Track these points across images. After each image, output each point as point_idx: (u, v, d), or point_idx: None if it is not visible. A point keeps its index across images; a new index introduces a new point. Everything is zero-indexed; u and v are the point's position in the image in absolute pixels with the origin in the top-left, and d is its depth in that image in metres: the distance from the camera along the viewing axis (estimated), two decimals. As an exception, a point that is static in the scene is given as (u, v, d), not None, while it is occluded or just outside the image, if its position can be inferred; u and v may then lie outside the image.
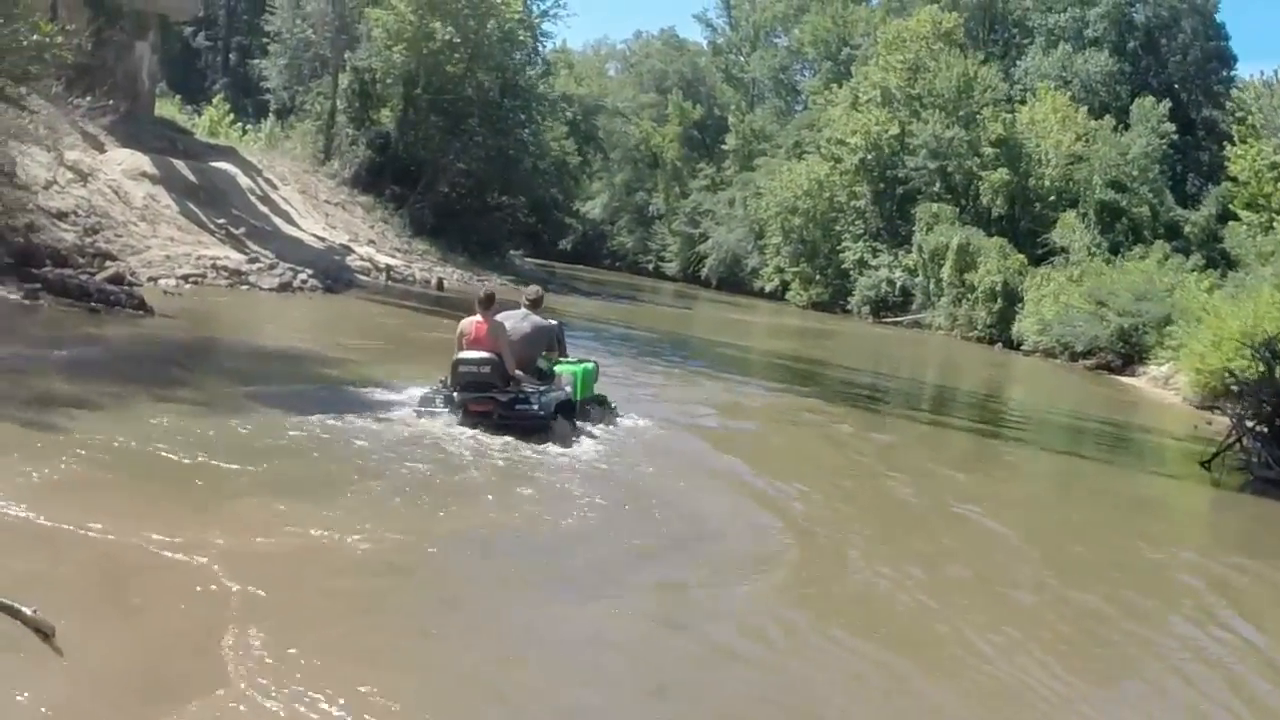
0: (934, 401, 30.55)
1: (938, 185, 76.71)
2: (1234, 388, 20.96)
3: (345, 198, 46.10)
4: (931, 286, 73.37)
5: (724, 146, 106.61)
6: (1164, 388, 43.43)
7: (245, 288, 26.71)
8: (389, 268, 38.23)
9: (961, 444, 21.71)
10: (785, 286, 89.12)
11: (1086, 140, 72.33)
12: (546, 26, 58.73)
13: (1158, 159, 70.51)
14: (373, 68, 51.00)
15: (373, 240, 42.65)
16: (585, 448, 12.89)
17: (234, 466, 10.08)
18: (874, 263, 79.47)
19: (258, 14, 62.90)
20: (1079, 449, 22.82)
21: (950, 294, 70.50)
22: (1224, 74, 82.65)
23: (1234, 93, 63.58)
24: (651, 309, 53.23)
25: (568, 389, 13.49)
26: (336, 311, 26.82)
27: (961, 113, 76.12)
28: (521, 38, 54.73)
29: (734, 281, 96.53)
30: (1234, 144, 58.65)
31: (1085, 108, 75.34)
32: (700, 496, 12.29)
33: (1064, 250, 67.02)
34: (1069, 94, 76.63)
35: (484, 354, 12.54)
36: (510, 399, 12.48)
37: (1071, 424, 28.42)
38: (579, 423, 13.56)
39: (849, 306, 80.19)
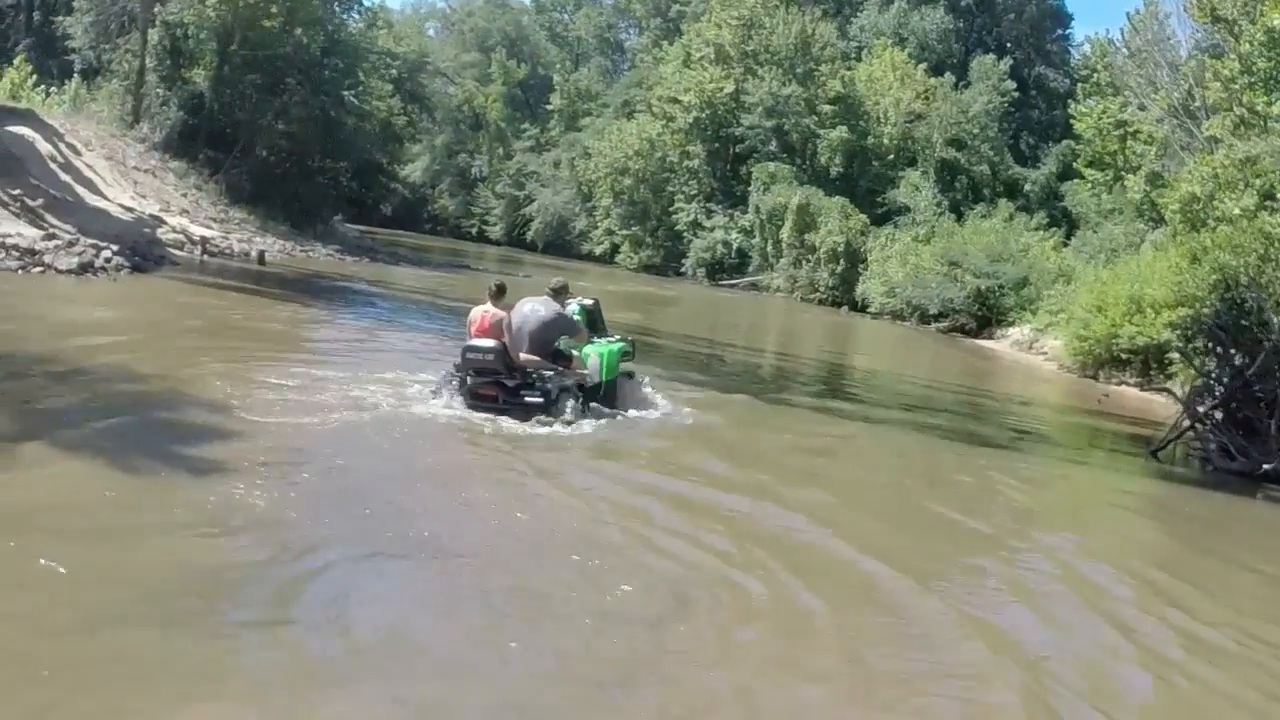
0: (820, 379, 28.18)
1: (774, 144, 75.32)
2: (1198, 382, 19.02)
3: (156, 163, 41.94)
4: (769, 248, 72.16)
5: (549, 107, 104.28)
6: (1030, 352, 42.32)
7: (39, 270, 22.56)
8: (204, 240, 34.09)
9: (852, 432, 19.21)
10: (615, 249, 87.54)
11: (926, 98, 71.63)
12: None
13: (998, 117, 70.16)
14: (184, 22, 46.64)
15: (186, 210, 38.66)
16: (582, 429, 13.20)
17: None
18: (708, 224, 78.08)
19: (64, -32, 57.88)
20: (1013, 439, 20.37)
21: (790, 255, 69.25)
22: (1058, 33, 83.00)
23: (1080, 50, 63.34)
24: (484, 278, 50.13)
25: (589, 371, 14.08)
26: (144, 298, 22.67)
27: (799, 70, 74.68)
28: (341, -11, 51.33)
29: (561, 245, 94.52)
30: (1075, 102, 58.31)
31: (923, 65, 74.62)
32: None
33: (907, 209, 66.07)
34: (906, 51, 75.84)
35: (489, 343, 13.27)
36: (515, 384, 13.29)
37: (972, 401, 26.31)
38: (603, 406, 14.18)
39: (683, 269, 78.60)
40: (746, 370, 23.58)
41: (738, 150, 78.12)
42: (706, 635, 7.33)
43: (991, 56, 72.89)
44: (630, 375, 15.34)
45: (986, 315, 50.38)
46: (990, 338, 48.57)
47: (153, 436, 10.19)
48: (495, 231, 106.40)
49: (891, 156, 71.76)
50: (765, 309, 57.52)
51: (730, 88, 76.51)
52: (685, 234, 79.62)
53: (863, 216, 66.19)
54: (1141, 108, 47.21)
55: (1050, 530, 12.73)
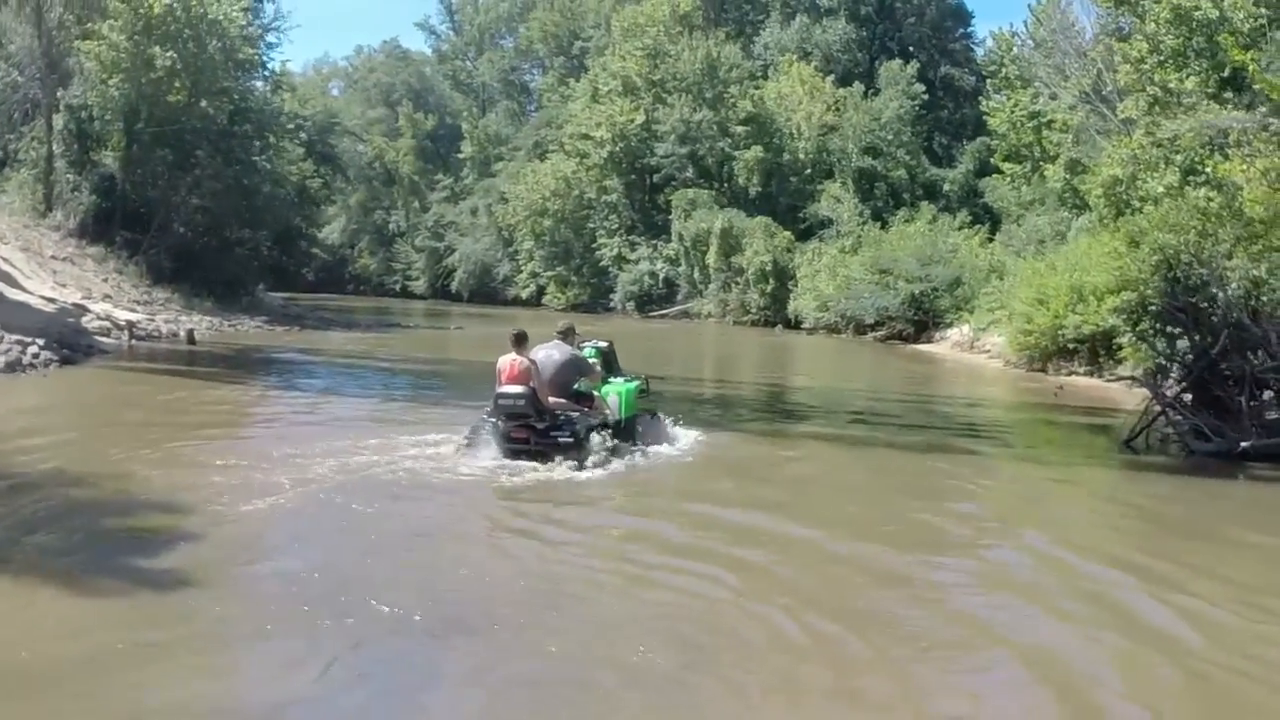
0: (763, 403, 27.70)
1: (691, 170, 75.37)
2: (1159, 361, 18.71)
3: (73, 250, 40.94)
4: (696, 275, 72.26)
5: (460, 155, 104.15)
6: (971, 351, 42.20)
7: (-35, 374, 21.54)
8: (130, 324, 33.10)
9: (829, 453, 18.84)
10: (541, 291, 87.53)
11: (837, 109, 71.84)
12: (271, 39, 53.67)
13: (910, 121, 70.20)
14: (88, 104, 45.75)
15: (109, 295, 37.67)
16: (614, 468, 13.71)
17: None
18: (633, 256, 78.10)
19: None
20: (980, 442, 19.98)
21: (718, 280, 69.32)
22: (960, 31, 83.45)
23: (984, 46, 63.70)
24: (416, 334, 49.43)
25: (608, 410, 14.65)
26: (78, 391, 21.61)
27: (708, 94, 74.86)
28: (245, 56, 50.31)
29: (486, 292, 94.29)
30: (985, 98, 58.65)
31: (830, 76, 74.89)
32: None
33: (831, 222, 66.14)
34: (812, 64, 76.07)
35: (519, 389, 13.69)
36: (545, 426, 13.67)
37: (926, 409, 25.91)
38: (628, 443, 14.68)
39: (612, 304, 78.44)
40: (687, 399, 23.09)
41: (655, 180, 78.14)
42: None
43: (897, 62, 72.97)
44: (652, 414, 16.09)
45: (923, 319, 50.28)
46: (929, 341, 48.41)
47: (105, 548, 9.28)
48: (419, 286, 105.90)
49: (809, 171, 71.90)
50: (698, 336, 57.05)
51: (641, 118, 76.55)
52: (611, 268, 79.65)
53: (787, 233, 66.19)
54: (1053, 97, 47.30)
55: (1041, 529, 12.35)
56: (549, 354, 14.37)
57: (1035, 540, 11.72)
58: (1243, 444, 15.51)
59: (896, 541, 10.98)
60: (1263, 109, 25.39)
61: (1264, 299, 20.43)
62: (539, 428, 13.73)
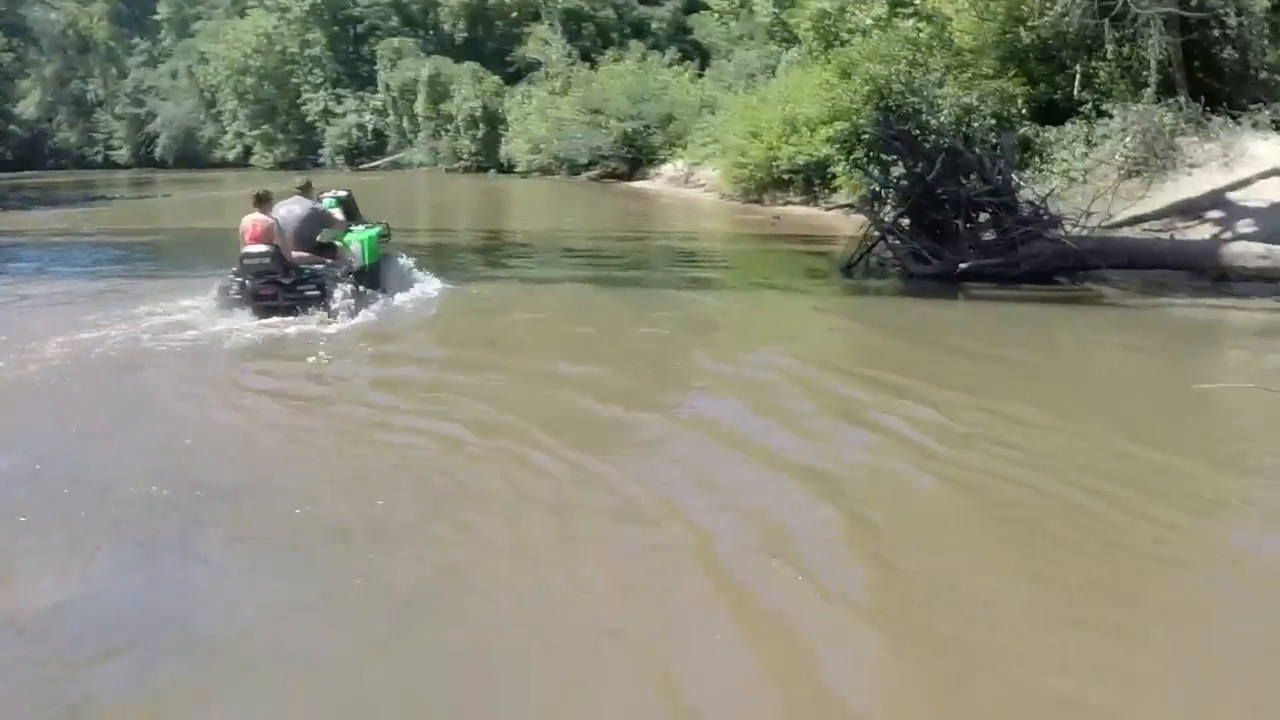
0: (483, 249, 27.07)
1: (395, 19, 73.81)
2: (874, 188, 18.86)
3: None
4: (405, 124, 71.15)
5: (156, 17, 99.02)
6: (686, 186, 42.46)
7: None
8: None
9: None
10: (249, 151, 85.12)
11: (540, -52, 70.61)
12: None
13: (615, -42, 69.54)
14: None
15: None
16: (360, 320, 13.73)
17: None
18: (339, 110, 76.66)
19: None
20: (702, 276, 19.78)
21: (427, 129, 68.46)
22: None
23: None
24: (121, 205, 46.90)
25: (353, 258, 14.80)
26: None
27: (408, -62, 72.75)
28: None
29: (191, 157, 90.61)
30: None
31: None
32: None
33: (540, 64, 65.38)
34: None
35: (263, 247, 13.68)
36: (291, 281, 13.78)
37: (645, 246, 25.74)
38: (375, 289, 15.06)
39: (320, 160, 76.64)
40: (408, 250, 22.34)
41: (359, 30, 76.34)
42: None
43: (595, -104, 71.97)
44: (394, 257, 16.42)
45: (636, 157, 50.31)
46: (644, 179, 48.49)
47: None
48: (121, 155, 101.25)
49: (515, 14, 70.61)
50: (410, 185, 55.93)
51: (343, -33, 74.16)
52: (318, 124, 78.02)
53: (495, 78, 65.50)
54: (757, -70, 47.32)
55: (773, 346, 12.40)
56: (290, 209, 14.48)
57: (768, 357, 11.68)
58: (961, 265, 15.84)
59: (632, 370, 10.91)
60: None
61: (975, 125, 20.97)
62: (285, 283, 13.91)
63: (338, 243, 14.93)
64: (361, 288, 14.64)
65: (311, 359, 11.81)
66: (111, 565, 6.25)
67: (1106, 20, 21.85)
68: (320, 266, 14.26)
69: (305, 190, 15.07)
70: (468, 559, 6.17)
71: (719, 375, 10.96)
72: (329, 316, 13.60)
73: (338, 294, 13.96)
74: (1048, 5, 23.06)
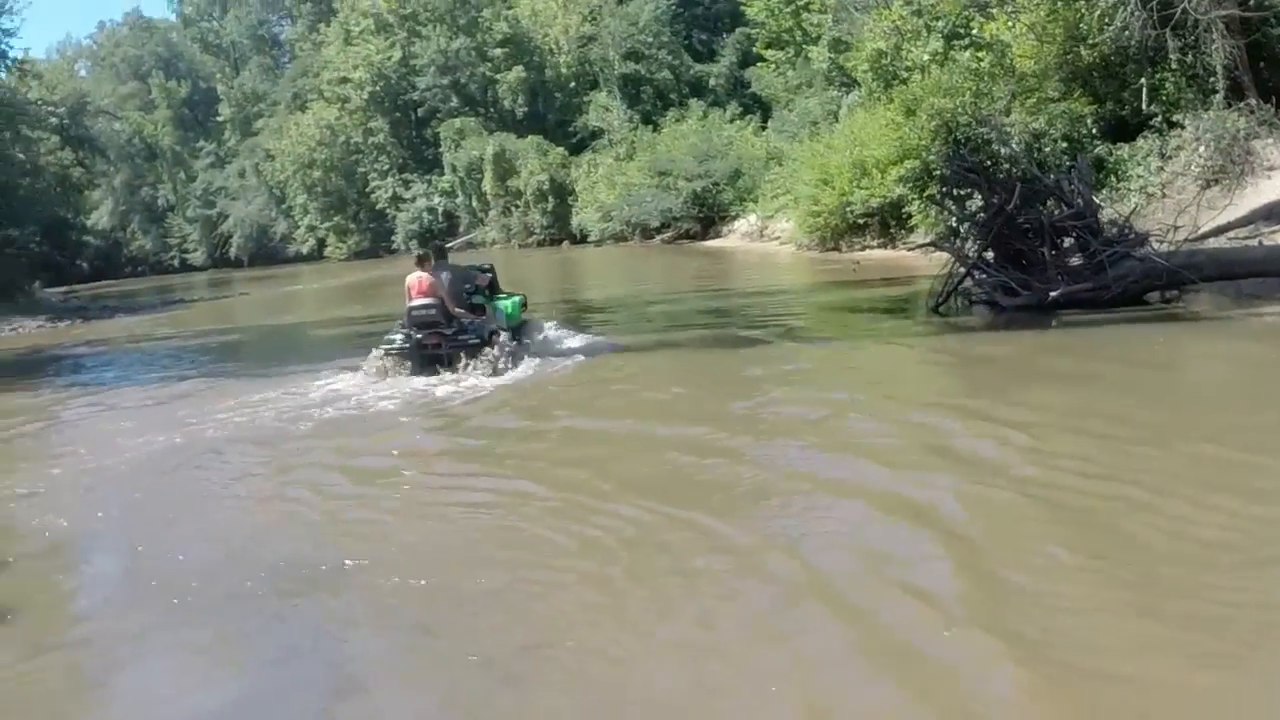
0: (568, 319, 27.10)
1: (455, 99, 74.44)
2: (951, 223, 18.76)
3: None
4: (475, 203, 71.68)
5: (219, 119, 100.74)
6: (761, 240, 42.47)
7: None
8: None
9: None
10: (322, 244, 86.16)
11: (593, 19, 71.17)
12: (6, 23, 50.03)
13: (667, 21, 70.04)
14: None
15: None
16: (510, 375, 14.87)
17: None
18: (408, 195, 77.38)
19: None
20: (790, 328, 19.75)
21: (497, 205, 68.96)
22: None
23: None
24: (203, 308, 47.23)
25: (500, 319, 16.04)
26: None
27: (462, 21, 73.80)
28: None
29: (266, 253, 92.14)
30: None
31: (582, -14, 74.20)
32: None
33: (602, 132, 65.89)
34: (557, -25, 75.25)
35: (430, 300, 15.24)
36: (454, 331, 15.27)
37: (727, 301, 25.70)
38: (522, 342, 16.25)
39: (394, 246, 77.14)
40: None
41: (420, 114, 77.04)
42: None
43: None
44: (532, 322, 17.62)
45: (708, 215, 50.52)
46: (718, 237, 48.64)
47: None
48: (197, 257, 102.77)
49: (573, 84, 71.39)
50: (488, 263, 56.29)
51: (398, 54, 75.36)
52: (388, 210, 78.60)
53: (560, 150, 66.00)
54: (807, -22, 47.56)
55: (865, 390, 12.38)
56: (440, 272, 15.77)
57: (860, 399, 11.71)
58: (1051, 293, 15.70)
59: (726, 425, 10.89)
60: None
61: (1047, 149, 20.88)
62: (448, 333, 15.28)
63: (487, 305, 16.19)
64: (516, 340, 15.92)
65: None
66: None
67: (1167, 30, 21.68)
68: (480, 319, 15.66)
69: (440, 254, 16.57)
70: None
71: (819, 425, 10.84)
72: (497, 361, 14.87)
73: (502, 337, 15.34)
74: (1106, 21, 22.96)
